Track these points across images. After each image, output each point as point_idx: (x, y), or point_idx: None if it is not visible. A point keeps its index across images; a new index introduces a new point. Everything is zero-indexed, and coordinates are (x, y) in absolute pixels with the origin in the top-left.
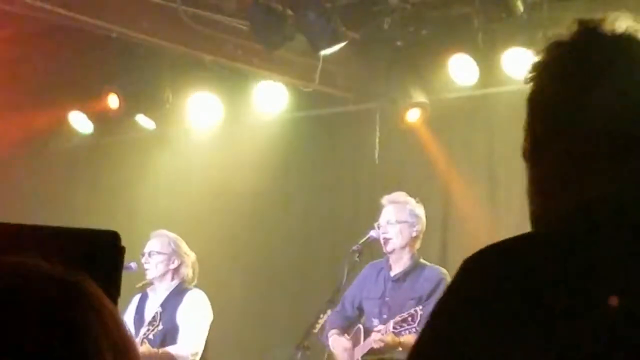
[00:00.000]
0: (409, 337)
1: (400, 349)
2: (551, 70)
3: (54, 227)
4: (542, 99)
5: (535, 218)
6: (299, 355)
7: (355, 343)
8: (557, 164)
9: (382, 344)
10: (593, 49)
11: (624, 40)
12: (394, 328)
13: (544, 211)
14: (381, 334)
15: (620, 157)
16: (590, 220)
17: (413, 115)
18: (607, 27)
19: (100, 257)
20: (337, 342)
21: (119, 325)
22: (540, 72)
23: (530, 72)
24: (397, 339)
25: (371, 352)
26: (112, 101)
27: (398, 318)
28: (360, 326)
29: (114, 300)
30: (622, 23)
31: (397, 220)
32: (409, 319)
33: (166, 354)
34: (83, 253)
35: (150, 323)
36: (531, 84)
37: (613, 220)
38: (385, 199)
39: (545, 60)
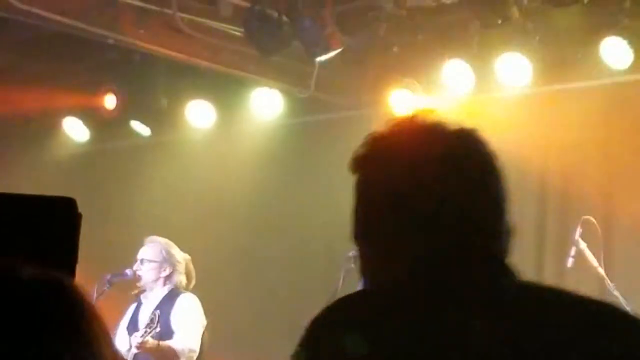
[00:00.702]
0: None
1: None
2: (371, 161)
3: (10, 194)
4: (365, 188)
5: (370, 287)
6: None
7: None
8: (381, 241)
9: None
10: (405, 140)
11: (435, 130)
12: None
13: (376, 281)
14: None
15: (426, 231)
16: (411, 281)
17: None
18: (419, 119)
19: (56, 224)
20: None
21: (98, 321)
22: (363, 163)
23: (355, 163)
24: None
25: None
26: (109, 101)
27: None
28: None
29: (73, 266)
30: (434, 115)
31: None
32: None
33: (165, 346)
34: (39, 219)
35: (148, 325)
36: (356, 174)
37: (427, 279)
38: None
39: (366, 152)
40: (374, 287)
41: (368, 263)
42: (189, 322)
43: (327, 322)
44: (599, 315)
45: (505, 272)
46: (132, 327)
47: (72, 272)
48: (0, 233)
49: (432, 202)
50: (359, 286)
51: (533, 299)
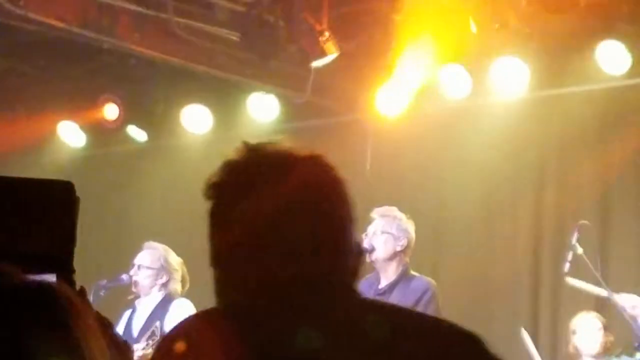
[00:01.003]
0: None
1: None
2: (223, 187)
3: (8, 177)
4: (218, 214)
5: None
6: None
7: None
8: (231, 266)
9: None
10: (257, 168)
11: (286, 157)
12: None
13: (229, 302)
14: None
15: (274, 256)
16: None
17: (405, 126)
18: (271, 146)
19: (54, 206)
20: None
21: (83, 316)
22: (216, 190)
23: (208, 190)
24: None
25: None
26: (110, 111)
27: (148, 333)
28: None
29: (70, 249)
30: (286, 144)
31: (383, 231)
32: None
33: None
34: (37, 202)
35: (149, 337)
36: (210, 200)
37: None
38: (375, 212)
39: (219, 179)
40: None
41: (221, 287)
42: None
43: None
44: (446, 343)
45: (350, 295)
46: (128, 334)
47: (70, 254)
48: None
49: (280, 229)
50: None
51: (378, 321)
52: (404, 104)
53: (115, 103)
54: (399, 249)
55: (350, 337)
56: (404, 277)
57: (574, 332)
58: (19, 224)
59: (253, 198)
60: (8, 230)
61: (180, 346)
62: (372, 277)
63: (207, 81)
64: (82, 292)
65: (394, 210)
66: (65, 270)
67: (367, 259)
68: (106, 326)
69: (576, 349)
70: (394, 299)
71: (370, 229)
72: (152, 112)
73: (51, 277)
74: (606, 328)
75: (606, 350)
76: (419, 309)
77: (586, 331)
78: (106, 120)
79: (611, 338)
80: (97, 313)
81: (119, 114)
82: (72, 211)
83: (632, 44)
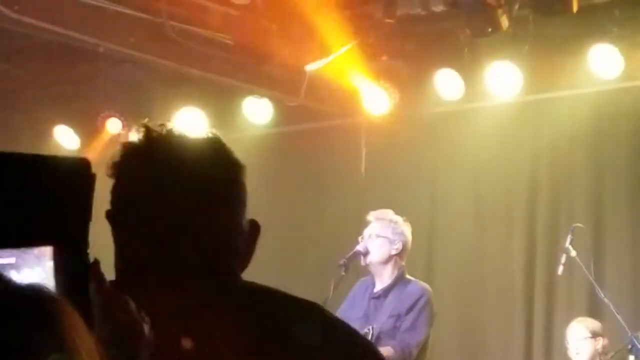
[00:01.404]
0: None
1: None
2: (122, 169)
3: (24, 153)
4: (117, 192)
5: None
6: None
7: None
8: (119, 246)
9: None
10: (149, 149)
11: (184, 142)
12: None
13: (125, 275)
14: None
15: (159, 240)
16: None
17: (399, 130)
18: (171, 131)
19: (70, 183)
20: None
21: (68, 316)
22: (115, 170)
23: (108, 170)
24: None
25: None
26: (113, 125)
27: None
28: None
29: (86, 226)
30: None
31: (378, 234)
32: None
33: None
34: (53, 178)
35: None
36: (112, 180)
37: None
38: (371, 215)
39: (118, 160)
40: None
41: (115, 261)
42: None
43: None
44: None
45: (227, 277)
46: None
47: (84, 232)
48: (14, 192)
49: (168, 208)
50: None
51: (251, 303)
52: (396, 106)
53: (117, 117)
54: (394, 252)
55: (222, 317)
56: (399, 281)
57: (567, 342)
58: (32, 200)
59: (147, 179)
60: (21, 207)
61: None
62: (367, 280)
63: (201, 85)
64: (95, 264)
65: (389, 213)
66: (79, 248)
67: (362, 262)
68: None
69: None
70: (389, 303)
71: (366, 231)
72: (148, 117)
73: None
74: (596, 334)
75: (599, 355)
76: (414, 313)
77: (573, 341)
78: (110, 134)
79: (604, 342)
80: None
81: (122, 126)
82: (87, 187)
83: (624, 47)
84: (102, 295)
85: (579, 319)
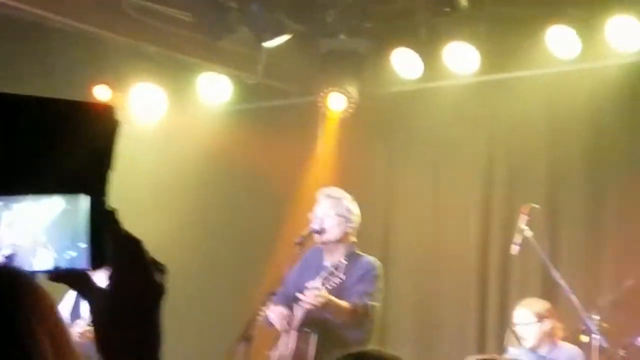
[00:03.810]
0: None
1: (335, 309)
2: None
3: (45, 97)
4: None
5: None
6: (242, 346)
7: (291, 321)
8: None
9: (319, 299)
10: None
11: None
12: (322, 284)
13: None
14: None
15: None
16: None
17: (357, 108)
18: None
19: (93, 129)
20: (275, 311)
21: (54, 311)
22: None
23: None
24: (327, 294)
25: (308, 318)
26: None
27: (324, 273)
28: (295, 305)
29: (104, 173)
30: None
31: (335, 213)
32: (334, 270)
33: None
34: (77, 124)
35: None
36: None
37: None
38: (321, 193)
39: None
40: None
41: None
42: None
43: None
44: None
45: None
46: (74, 314)
47: (103, 177)
48: (36, 136)
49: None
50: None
51: None
52: (358, 86)
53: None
54: (348, 230)
55: None
56: (351, 257)
57: (514, 325)
58: (54, 142)
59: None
60: (40, 153)
61: None
62: (320, 249)
63: (159, 61)
64: (113, 214)
65: (339, 191)
66: (97, 192)
67: (317, 240)
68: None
69: (517, 339)
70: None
71: (319, 210)
72: (105, 92)
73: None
74: (542, 317)
75: (549, 337)
76: (364, 284)
77: (519, 326)
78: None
79: (552, 323)
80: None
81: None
82: (110, 133)
83: (581, 29)
84: (118, 242)
85: (524, 301)
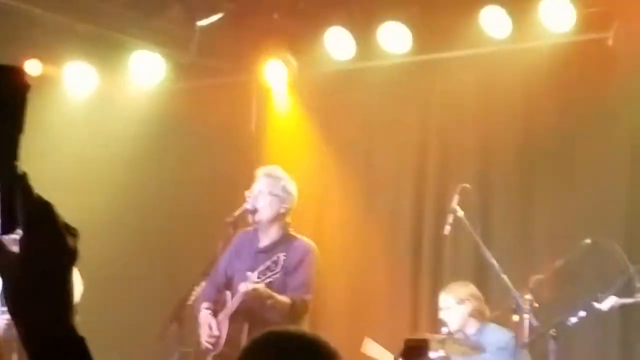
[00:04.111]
0: (282, 297)
1: (272, 301)
2: None
3: None
4: None
5: None
6: (173, 327)
7: (223, 309)
8: None
9: (252, 290)
10: None
11: None
12: (258, 277)
13: None
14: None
15: None
16: None
17: (290, 88)
18: None
19: (3, 92)
20: (205, 319)
21: None
22: None
23: None
24: (268, 290)
25: (242, 308)
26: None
27: (262, 267)
28: (228, 292)
29: (15, 137)
30: None
31: (269, 192)
32: (272, 265)
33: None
34: None
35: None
36: None
37: None
38: (260, 171)
39: None
40: None
41: None
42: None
43: None
44: None
45: None
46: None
47: (15, 142)
48: None
49: None
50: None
51: None
52: (292, 65)
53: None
54: (283, 210)
55: None
56: (285, 238)
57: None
58: None
59: None
60: None
61: None
62: (250, 232)
63: (91, 39)
64: (24, 177)
65: (278, 170)
66: (7, 156)
67: (250, 220)
68: None
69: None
70: (273, 256)
71: (255, 187)
72: (36, 70)
73: None
74: (463, 300)
75: (474, 318)
76: (303, 269)
77: (443, 310)
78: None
79: (475, 305)
80: None
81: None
82: (20, 96)
83: (514, 9)
84: (29, 206)
85: (447, 287)
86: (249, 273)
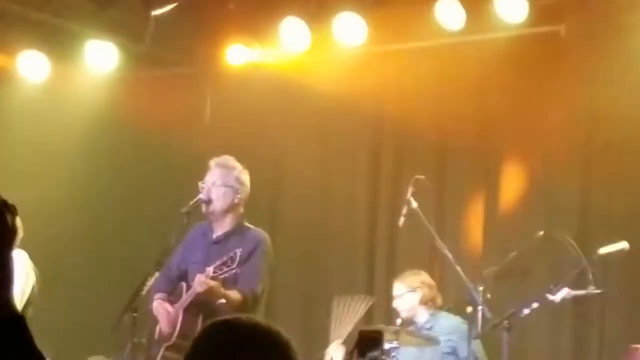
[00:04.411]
0: (234, 294)
1: (224, 300)
2: None
3: None
4: None
5: None
6: (127, 318)
7: (178, 300)
8: None
9: (205, 286)
10: None
11: None
12: (214, 272)
13: None
14: (204, 277)
15: None
16: None
17: (244, 78)
18: None
19: None
20: (160, 306)
21: None
22: None
23: None
24: (221, 287)
25: (197, 300)
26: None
27: (218, 262)
28: (183, 283)
29: None
30: None
31: (223, 183)
32: (228, 261)
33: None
34: None
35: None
36: None
37: None
38: (213, 161)
39: None
40: None
41: None
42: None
43: None
44: None
45: None
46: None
47: None
48: None
49: None
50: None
51: None
52: (246, 55)
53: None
54: (236, 200)
55: None
56: (239, 228)
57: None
58: None
59: None
60: None
61: None
62: (204, 225)
63: (44, 27)
64: None
65: (231, 160)
66: None
67: (204, 210)
68: None
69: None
70: (230, 248)
71: (209, 178)
72: None
73: None
74: (415, 288)
75: (425, 306)
76: (255, 260)
77: (395, 299)
78: None
79: (426, 293)
80: None
81: None
82: None
83: (467, 1)
84: None
85: (400, 275)
86: (207, 268)
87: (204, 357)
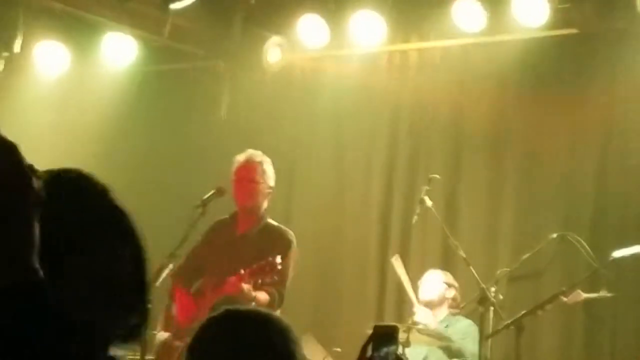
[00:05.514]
0: (262, 296)
1: (254, 303)
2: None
3: None
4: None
5: None
6: None
7: (200, 298)
8: None
9: (237, 289)
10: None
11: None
12: (250, 276)
13: None
14: (238, 278)
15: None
16: None
17: (263, 73)
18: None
19: None
20: (179, 302)
21: None
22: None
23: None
24: (252, 291)
25: (224, 300)
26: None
27: (254, 266)
28: (206, 279)
29: None
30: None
31: (251, 179)
32: (267, 267)
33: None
34: None
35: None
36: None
37: None
38: (241, 156)
39: None
40: None
41: None
42: None
43: None
44: None
45: None
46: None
47: None
48: None
49: None
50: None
51: None
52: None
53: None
54: (263, 196)
55: None
56: (266, 226)
57: (420, 284)
58: None
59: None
60: None
61: None
62: (227, 220)
63: (64, 19)
64: None
65: (259, 155)
66: None
67: (237, 206)
68: None
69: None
70: (255, 245)
71: (239, 175)
72: (7, 49)
73: None
74: (450, 285)
75: (449, 304)
76: (286, 262)
77: (425, 284)
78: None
79: (455, 295)
80: None
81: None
82: None
83: (488, 2)
84: None
85: (433, 270)
86: (241, 271)
87: (205, 348)
